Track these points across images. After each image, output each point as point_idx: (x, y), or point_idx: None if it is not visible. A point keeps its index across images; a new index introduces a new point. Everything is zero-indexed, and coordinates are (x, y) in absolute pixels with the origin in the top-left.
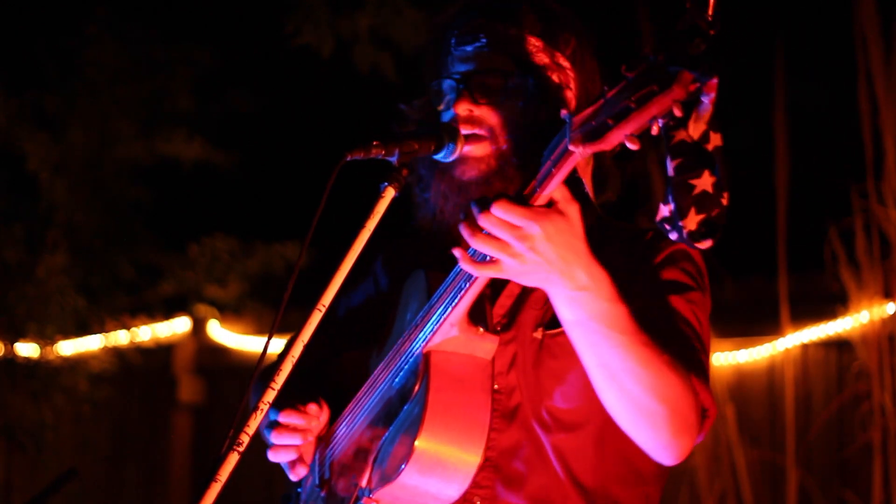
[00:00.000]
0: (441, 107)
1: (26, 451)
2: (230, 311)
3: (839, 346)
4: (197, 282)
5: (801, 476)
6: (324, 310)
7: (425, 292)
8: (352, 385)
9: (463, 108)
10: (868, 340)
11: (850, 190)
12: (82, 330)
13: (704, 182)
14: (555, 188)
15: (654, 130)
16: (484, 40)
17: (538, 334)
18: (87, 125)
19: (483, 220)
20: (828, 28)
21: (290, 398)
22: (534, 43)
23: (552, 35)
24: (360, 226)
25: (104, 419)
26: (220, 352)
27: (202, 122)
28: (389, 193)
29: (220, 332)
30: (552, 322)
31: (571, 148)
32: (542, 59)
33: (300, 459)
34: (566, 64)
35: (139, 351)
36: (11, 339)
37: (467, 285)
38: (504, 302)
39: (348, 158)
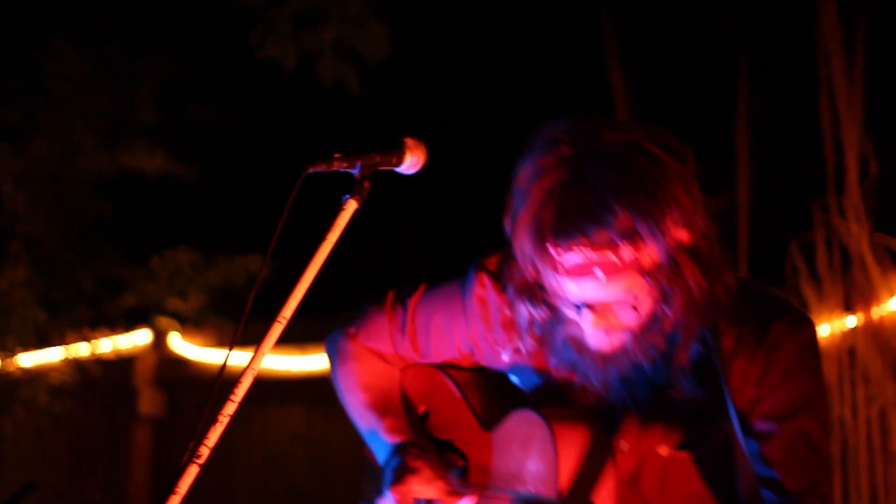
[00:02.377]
0: (560, 301)
1: None
2: (191, 324)
3: None
4: (158, 294)
5: None
6: (284, 322)
7: (554, 462)
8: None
9: (598, 326)
10: (829, 354)
11: (811, 204)
12: (43, 342)
13: None
14: None
15: None
16: (602, 277)
17: (662, 451)
18: (49, 137)
19: None
20: (790, 42)
21: (413, 458)
22: (651, 251)
23: (657, 226)
24: (322, 238)
25: (64, 432)
26: (181, 364)
27: (165, 135)
28: (351, 206)
29: (181, 345)
30: (688, 438)
31: None
32: (663, 252)
33: None
34: (678, 234)
35: (100, 363)
36: None
37: None
38: (630, 425)
39: (310, 171)
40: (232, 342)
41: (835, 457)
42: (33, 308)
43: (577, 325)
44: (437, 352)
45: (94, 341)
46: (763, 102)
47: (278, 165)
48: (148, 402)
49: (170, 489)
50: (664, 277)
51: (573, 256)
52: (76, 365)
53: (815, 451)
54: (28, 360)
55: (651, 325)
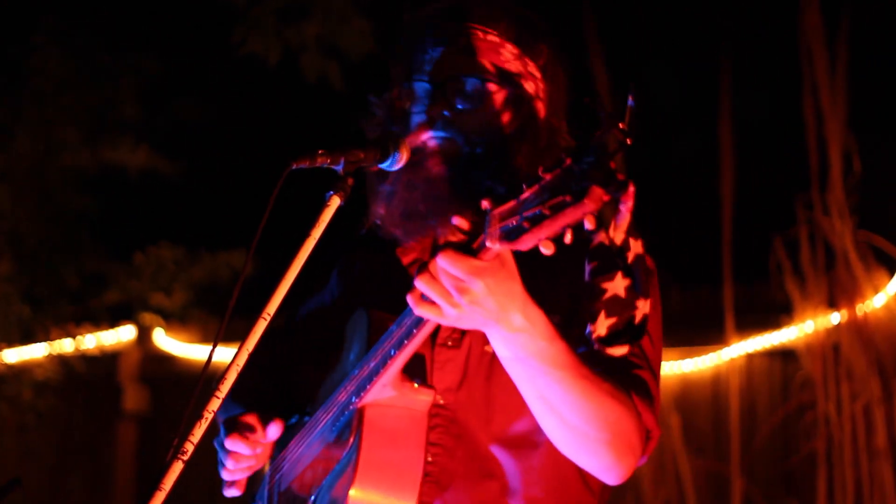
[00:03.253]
0: (414, 108)
1: None
2: (175, 320)
3: (784, 355)
4: (142, 290)
5: (745, 485)
6: (269, 318)
7: (366, 339)
8: (304, 406)
9: (438, 113)
10: (812, 350)
11: (795, 200)
12: (27, 338)
13: (617, 286)
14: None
15: (567, 238)
16: (462, 44)
17: (490, 348)
18: (32, 133)
19: (432, 266)
20: (773, 39)
21: (245, 415)
22: (510, 50)
23: (527, 43)
24: (306, 234)
25: (48, 428)
26: (165, 360)
27: (148, 131)
28: (335, 202)
29: (166, 341)
30: None
31: (488, 244)
32: (517, 67)
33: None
34: (538, 74)
35: (84, 359)
36: None
37: (396, 352)
38: None
39: (294, 167)
40: (216, 338)
41: (820, 453)
42: (17, 304)
43: (420, 131)
44: (310, 331)
45: (78, 337)
46: (746, 99)
47: (262, 161)
48: (132, 398)
49: (155, 485)
50: (506, 92)
51: (444, 30)
52: (60, 361)
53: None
54: (12, 356)
55: (482, 134)
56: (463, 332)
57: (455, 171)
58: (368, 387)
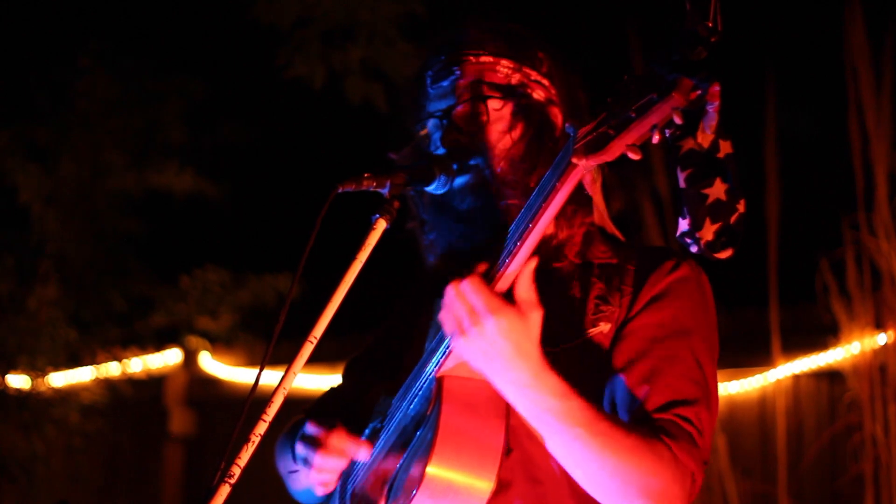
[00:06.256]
0: (430, 146)
1: (17, 483)
2: (221, 343)
3: (831, 376)
4: (188, 313)
5: None
6: (315, 341)
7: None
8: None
9: (450, 141)
10: (859, 371)
11: (841, 221)
12: (74, 362)
13: (717, 190)
14: (557, 206)
15: (655, 139)
16: (458, 72)
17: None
18: (78, 157)
19: (459, 285)
20: (818, 59)
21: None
22: (506, 65)
23: (523, 55)
24: (352, 258)
25: (95, 451)
26: (212, 383)
27: (194, 154)
28: (381, 225)
29: (212, 364)
30: (562, 337)
31: (574, 161)
32: (517, 79)
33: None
34: (545, 81)
35: (130, 383)
36: (2, 371)
37: None
38: None
39: (340, 190)
40: (263, 361)
41: (868, 475)
42: (63, 327)
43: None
44: (378, 355)
45: (124, 360)
46: (792, 120)
47: (307, 184)
48: (179, 421)
49: None
50: (512, 104)
51: (439, 67)
52: (107, 384)
53: (685, 375)
54: (59, 379)
55: (500, 150)
56: None
57: (485, 199)
58: (448, 350)
